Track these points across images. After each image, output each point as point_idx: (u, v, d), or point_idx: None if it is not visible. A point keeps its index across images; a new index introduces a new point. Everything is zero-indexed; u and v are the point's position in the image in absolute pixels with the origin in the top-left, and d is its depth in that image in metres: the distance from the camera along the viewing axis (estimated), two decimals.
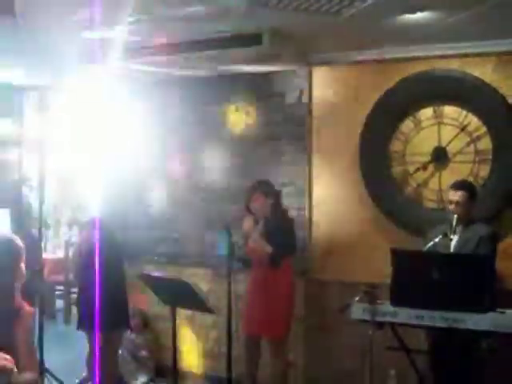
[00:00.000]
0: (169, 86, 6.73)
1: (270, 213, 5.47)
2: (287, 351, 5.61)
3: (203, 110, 6.61)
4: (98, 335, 4.97)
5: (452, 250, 4.87)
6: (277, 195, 5.56)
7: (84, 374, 5.85)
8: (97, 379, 4.94)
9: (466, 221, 4.88)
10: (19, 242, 3.84)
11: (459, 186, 4.96)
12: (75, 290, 6.64)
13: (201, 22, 4.81)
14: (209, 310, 4.86)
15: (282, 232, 5.42)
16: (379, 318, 4.49)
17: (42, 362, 5.55)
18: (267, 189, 5.51)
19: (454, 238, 4.84)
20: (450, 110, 5.54)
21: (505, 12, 4.46)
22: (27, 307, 3.81)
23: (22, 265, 3.82)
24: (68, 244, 8.35)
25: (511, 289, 5.03)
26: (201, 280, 6.27)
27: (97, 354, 5.00)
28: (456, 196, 4.90)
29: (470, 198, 4.89)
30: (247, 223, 5.55)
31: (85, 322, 5.45)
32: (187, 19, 4.72)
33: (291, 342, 5.71)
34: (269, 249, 5.33)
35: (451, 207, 4.92)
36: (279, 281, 5.43)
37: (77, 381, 5.99)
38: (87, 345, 5.50)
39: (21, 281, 3.82)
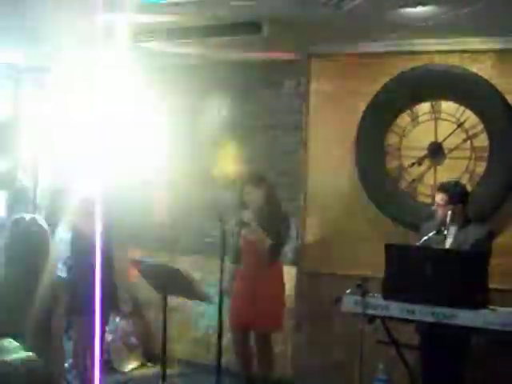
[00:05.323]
0: (168, 72, 6.71)
1: (264, 204, 5.46)
2: (271, 340, 5.64)
3: (201, 98, 6.60)
4: (95, 320, 4.96)
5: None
6: (268, 186, 5.53)
7: (70, 361, 5.85)
8: (94, 363, 4.94)
9: (461, 220, 4.82)
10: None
11: (440, 188, 4.92)
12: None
13: (200, 8, 4.79)
14: (200, 298, 4.85)
15: (273, 225, 5.41)
16: (370, 311, 4.51)
17: None
18: (257, 180, 5.50)
19: (449, 237, 4.81)
20: (447, 106, 5.53)
21: (504, 9, 4.45)
22: None
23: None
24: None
25: (503, 287, 5.04)
26: (192, 268, 6.26)
27: (94, 338, 4.98)
28: (437, 198, 4.89)
29: (451, 201, 4.80)
30: (246, 217, 5.46)
31: (72, 307, 5.43)
32: (186, 5, 4.70)
33: (282, 332, 5.74)
34: (268, 241, 5.33)
35: (435, 207, 4.90)
36: (271, 274, 5.46)
37: (65, 365, 5.98)
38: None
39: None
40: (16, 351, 3.25)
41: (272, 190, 5.56)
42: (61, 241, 6.16)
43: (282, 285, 5.58)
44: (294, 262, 6.03)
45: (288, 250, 5.76)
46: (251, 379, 5.66)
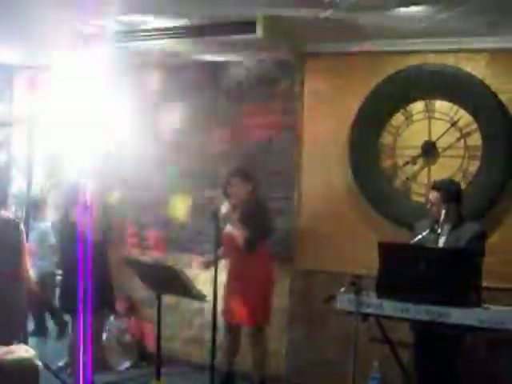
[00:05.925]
0: (161, 70, 6.71)
1: (248, 198, 5.53)
2: (266, 339, 5.65)
3: (193, 96, 6.60)
4: (90, 319, 4.96)
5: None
6: (254, 182, 5.62)
7: (66, 359, 5.85)
8: (89, 361, 4.96)
9: (455, 219, 4.82)
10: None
11: (434, 186, 4.92)
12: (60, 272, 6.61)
13: (195, 7, 4.79)
14: (196, 297, 4.84)
15: (258, 217, 5.49)
16: (364, 310, 4.50)
17: (25, 344, 5.51)
18: (246, 175, 5.59)
19: (443, 236, 4.82)
20: (441, 105, 5.55)
21: (499, 9, 4.46)
22: None
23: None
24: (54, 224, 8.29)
25: (497, 285, 5.06)
26: (187, 266, 6.26)
27: (89, 336, 4.99)
28: (431, 196, 4.89)
29: (444, 199, 4.80)
30: (225, 208, 5.54)
31: (68, 305, 5.43)
32: (181, 4, 4.71)
33: (276, 331, 5.74)
34: (245, 233, 5.38)
35: (429, 205, 4.91)
36: (256, 268, 5.50)
37: (60, 364, 5.98)
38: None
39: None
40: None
41: (258, 185, 5.64)
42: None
43: (269, 279, 5.62)
44: (288, 260, 6.04)
45: (280, 246, 5.79)
46: (243, 376, 5.70)
